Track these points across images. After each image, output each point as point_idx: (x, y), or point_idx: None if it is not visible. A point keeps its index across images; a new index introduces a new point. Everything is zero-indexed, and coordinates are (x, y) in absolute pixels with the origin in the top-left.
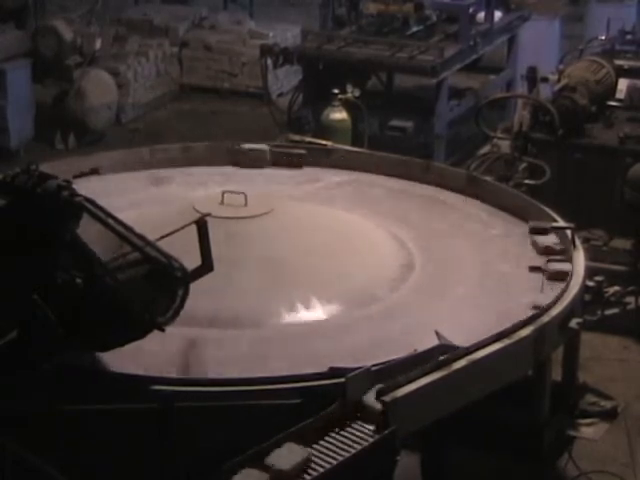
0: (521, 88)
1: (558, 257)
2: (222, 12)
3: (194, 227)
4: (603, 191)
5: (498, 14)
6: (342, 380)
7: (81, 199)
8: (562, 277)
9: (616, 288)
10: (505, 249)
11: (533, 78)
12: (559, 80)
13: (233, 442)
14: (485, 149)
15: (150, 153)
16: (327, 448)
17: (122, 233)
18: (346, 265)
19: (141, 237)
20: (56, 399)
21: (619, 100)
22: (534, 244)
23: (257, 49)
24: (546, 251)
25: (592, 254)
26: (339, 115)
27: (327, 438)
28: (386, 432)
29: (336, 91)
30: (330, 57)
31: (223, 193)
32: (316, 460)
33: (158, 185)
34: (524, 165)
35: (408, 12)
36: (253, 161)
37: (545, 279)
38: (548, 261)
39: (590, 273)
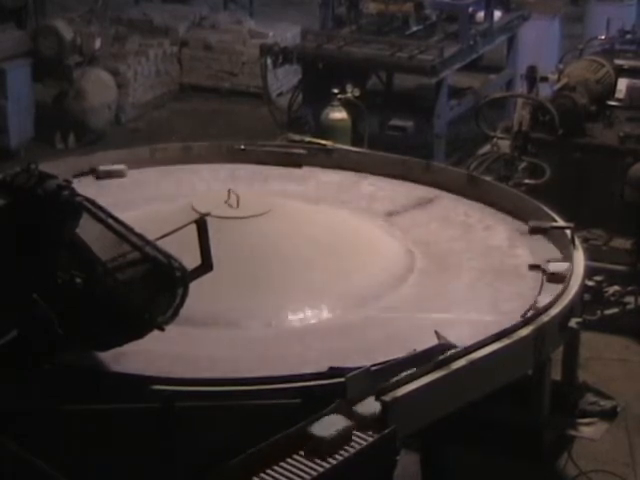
0: (521, 88)
1: None
2: (222, 12)
3: (194, 227)
4: (603, 191)
5: (498, 13)
6: (342, 380)
7: (81, 199)
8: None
9: (616, 288)
10: (505, 249)
11: (533, 77)
12: (559, 79)
13: (233, 442)
14: (485, 149)
15: (150, 153)
16: None
17: (122, 233)
18: (345, 264)
19: (141, 237)
20: (56, 399)
21: (619, 100)
22: None
23: (257, 49)
24: None
25: (592, 254)
26: (339, 115)
27: None
28: (386, 432)
29: (336, 91)
30: (330, 57)
31: (222, 193)
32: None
33: (157, 184)
34: (524, 165)
35: (408, 12)
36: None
37: (544, 278)
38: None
39: (590, 273)
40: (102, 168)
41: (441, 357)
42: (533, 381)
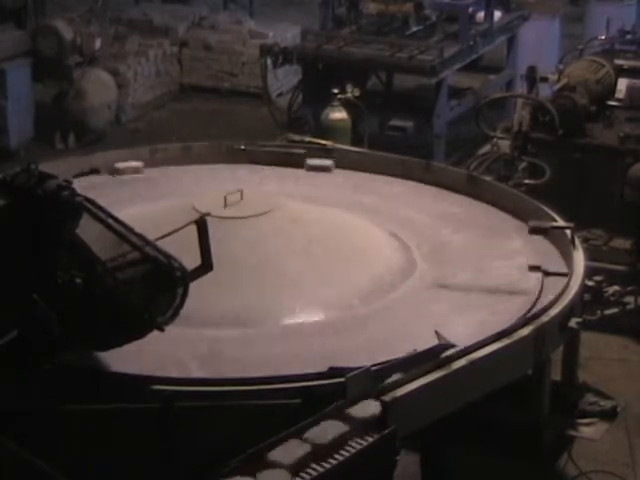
0: (521, 88)
1: None
2: (222, 12)
3: (194, 227)
4: (603, 191)
5: (498, 14)
6: (342, 380)
7: (81, 199)
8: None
9: (616, 288)
10: (504, 249)
11: (533, 78)
12: (559, 80)
13: (233, 442)
14: (485, 149)
15: (150, 153)
16: None
17: (122, 233)
18: (346, 264)
19: (141, 237)
20: (56, 399)
21: (619, 100)
22: None
23: (257, 49)
24: None
25: (592, 254)
26: (339, 115)
27: None
28: (386, 432)
29: (336, 91)
30: (330, 57)
31: (222, 193)
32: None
33: (157, 184)
34: (524, 165)
35: (408, 12)
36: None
37: (544, 278)
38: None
39: (590, 273)
40: None
41: (441, 357)
42: (533, 381)
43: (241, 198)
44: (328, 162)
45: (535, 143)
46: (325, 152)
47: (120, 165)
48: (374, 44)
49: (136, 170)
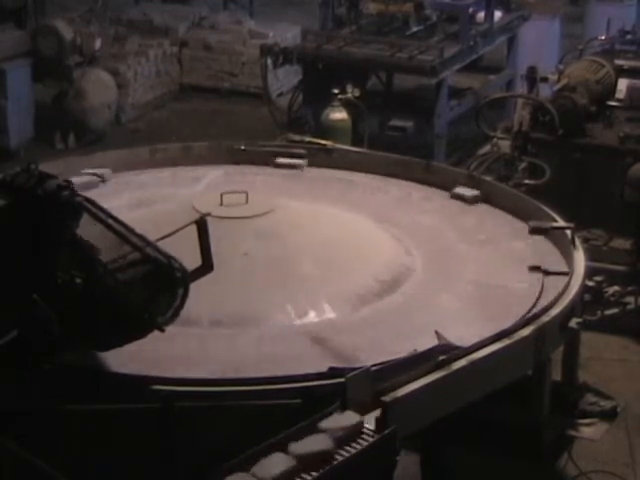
0: (521, 88)
1: None
2: (222, 12)
3: (194, 227)
4: (603, 191)
5: (498, 14)
6: (342, 380)
7: (81, 199)
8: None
9: (616, 288)
10: (504, 249)
11: (533, 78)
12: (559, 80)
13: (233, 442)
14: (485, 149)
15: (150, 153)
16: None
17: (122, 233)
18: (346, 264)
19: (141, 237)
20: (56, 399)
21: (619, 100)
22: None
23: (257, 49)
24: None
25: (592, 254)
26: (339, 115)
27: None
28: (386, 432)
29: (336, 91)
30: (330, 57)
31: (223, 193)
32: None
33: (158, 185)
34: (524, 165)
35: (408, 12)
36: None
37: (544, 279)
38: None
39: (590, 273)
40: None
41: (441, 357)
42: (533, 381)
43: (242, 198)
44: (475, 192)
45: (535, 143)
46: (325, 152)
47: (281, 161)
48: (374, 44)
49: (296, 166)
